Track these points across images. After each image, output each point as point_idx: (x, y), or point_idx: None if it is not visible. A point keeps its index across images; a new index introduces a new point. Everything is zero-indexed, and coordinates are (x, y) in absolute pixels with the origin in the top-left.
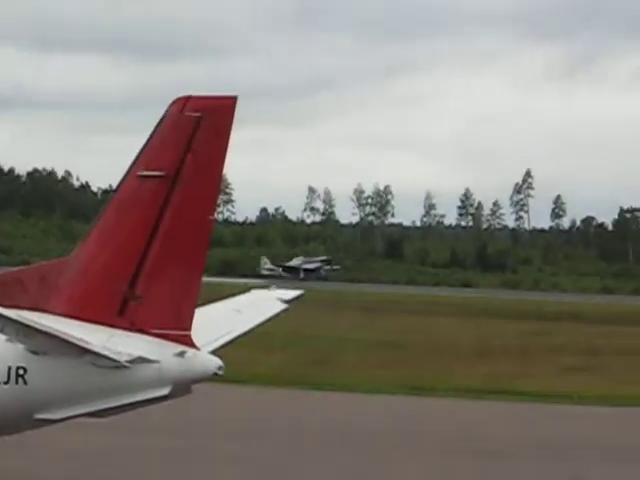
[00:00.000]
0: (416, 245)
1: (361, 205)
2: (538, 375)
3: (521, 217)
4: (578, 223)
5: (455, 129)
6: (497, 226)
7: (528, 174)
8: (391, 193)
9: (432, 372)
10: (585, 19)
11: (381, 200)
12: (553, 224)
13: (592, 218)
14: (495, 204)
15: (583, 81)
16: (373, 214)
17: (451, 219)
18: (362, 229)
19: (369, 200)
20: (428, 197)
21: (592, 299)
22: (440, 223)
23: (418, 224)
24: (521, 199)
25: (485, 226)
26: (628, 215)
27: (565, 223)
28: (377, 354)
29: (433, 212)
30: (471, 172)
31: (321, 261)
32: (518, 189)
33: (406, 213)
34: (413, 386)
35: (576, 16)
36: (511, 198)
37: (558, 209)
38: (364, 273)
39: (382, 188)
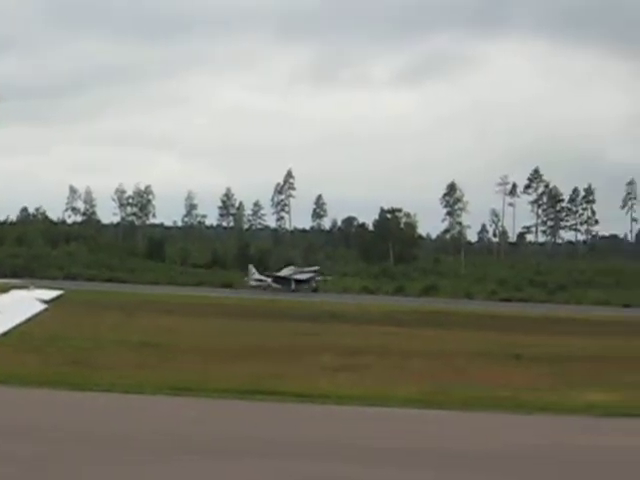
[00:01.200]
0: (177, 245)
1: (122, 205)
2: (299, 375)
3: (282, 217)
4: (339, 223)
5: (216, 130)
6: (258, 226)
7: (289, 174)
8: (152, 193)
9: (194, 373)
10: (341, 18)
11: (142, 200)
12: (314, 224)
13: (353, 218)
14: (256, 204)
15: (345, 81)
16: (134, 214)
17: (212, 219)
18: (124, 229)
19: (130, 200)
20: (189, 197)
21: (353, 299)
22: (201, 223)
23: (180, 224)
24: (282, 199)
25: (246, 226)
26: (389, 215)
27: (326, 223)
28: (138, 355)
29: (194, 212)
30: (232, 173)
31: (313, 272)
32: (279, 189)
33: (167, 213)
34: (174, 387)
35: (333, 15)
36: (272, 198)
37: (319, 209)
38: (125, 273)
39: (143, 188)
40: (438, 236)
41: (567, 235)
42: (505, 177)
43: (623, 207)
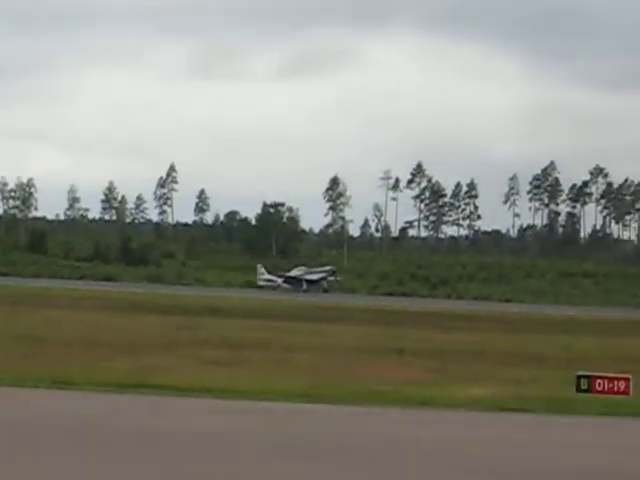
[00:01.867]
0: (60, 239)
1: (5, 198)
2: (180, 369)
3: (165, 211)
4: (222, 217)
5: (99, 123)
6: (141, 220)
7: (172, 168)
8: (34, 186)
9: (75, 366)
10: (223, 12)
11: (24, 193)
12: (197, 218)
13: (236, 212)
14: (139, 198)
15: (227, 76)
16: (16, 207)
17: (95, 213)
18: (6, 222)
19: (12, 194)
20: (72, 191)
21: (236, 293)
22: (84, 217)
23: (62, 218)
24: (165, 193)
25: (129, 220)
26: (271, 210)
27: (209, 217)
28: (18, 348)
29: (77, 206)
30: (115, 166)
31: (325, 271)
32: (162, 183)
33: (50, 207)
34: (54, 380)
35: (214, 9)
36: (155, 192)
37: (202, 203)
38: (7, 267)
39: (25, 181)
40: (321, 230)
41: (449, 230)
42: (388, 172)
43: (505, 202)
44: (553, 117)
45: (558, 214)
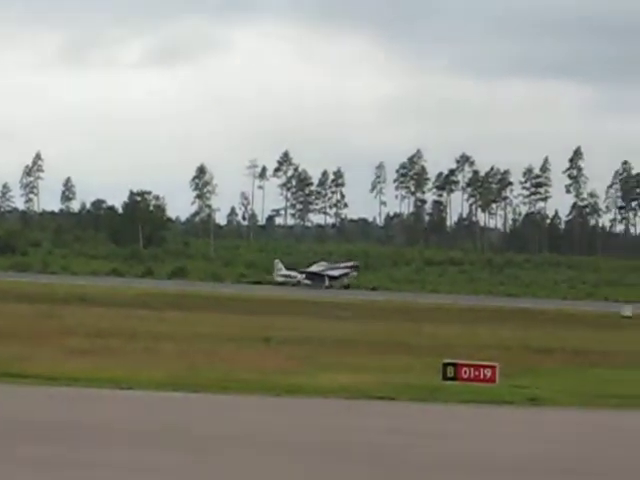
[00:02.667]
0: None
1: None
2: (46, 358)
3: (31, 199)
4: (88, 206)
5: None
6: (7, 208)
7: (38, 156)
8: None
9: None
10: (92, 1)
11: None
12: (63, 207)
13: (102, 201)
14: (5, 186)
15: (95, 63)
16: None
17: None
18: None
19: None
20: None
21: (102, 282)
22: None
23: None
24: (31, 181)
25: None
26: (138, 198)
27: (75, 206)
28: None
29: None
30: None
31: (348, 267)
32: (28, 171)
33: None
34: None
35: None
36: (21, 180)
37: (68, 192)
38: None
39: None
40: (188, 219)
41: (316, 218)
42: (254, 160)
43: (372, 191)
44: (419, 106)
45: (424, 202)
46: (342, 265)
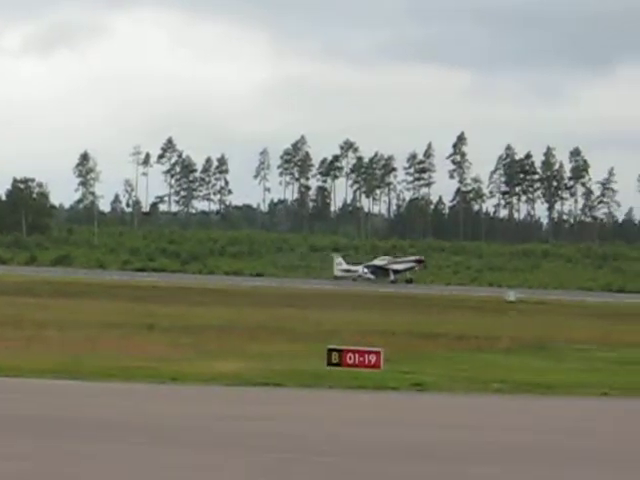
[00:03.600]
0: None
1: None
2: None
3: None
4: None
5: None
6: None
7: None
8: None
9: None
10: None
11: None
12: None
13: None
14: None
15: None
16: None
17: None
18: None
19: None
20: None
21: None
22: None
23: None
24: None
25: None
26: (21, 185)
27: None
28: None
29: None
30: None
31: (412, 261)
32: None
33: None
34: None
35: None
36: None
37: None
38: None
39: None
40: (71, 206)
41: (200, 205)
42: (138, 147)
43: (256, 177)
44: (303, 92)
45: (309, 188)
46: (406, 259)
